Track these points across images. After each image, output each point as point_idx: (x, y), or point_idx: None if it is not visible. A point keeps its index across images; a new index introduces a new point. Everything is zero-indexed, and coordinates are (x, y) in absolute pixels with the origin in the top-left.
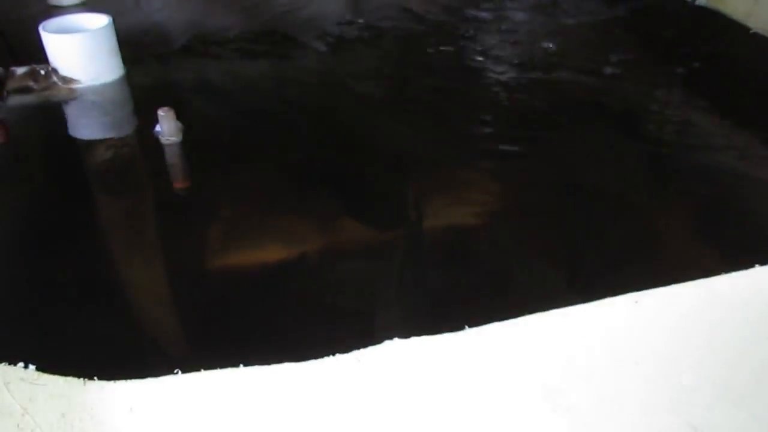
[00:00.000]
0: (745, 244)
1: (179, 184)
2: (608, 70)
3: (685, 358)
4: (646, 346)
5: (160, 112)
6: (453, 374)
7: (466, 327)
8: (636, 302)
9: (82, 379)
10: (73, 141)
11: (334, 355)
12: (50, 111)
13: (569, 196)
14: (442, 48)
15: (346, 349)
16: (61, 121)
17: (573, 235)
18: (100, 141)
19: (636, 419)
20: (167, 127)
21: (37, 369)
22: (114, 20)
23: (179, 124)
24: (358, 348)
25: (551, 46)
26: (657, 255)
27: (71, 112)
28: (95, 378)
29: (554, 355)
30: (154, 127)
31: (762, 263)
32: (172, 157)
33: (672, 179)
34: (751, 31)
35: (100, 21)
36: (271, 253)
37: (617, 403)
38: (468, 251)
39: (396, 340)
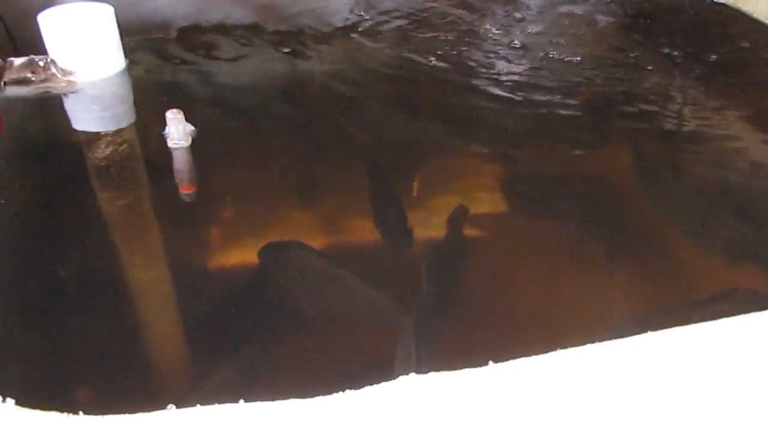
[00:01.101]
0: None
1: (186, 189)
2: (625, 68)
3: (749, 404)
4: (701, 387)
5: (169, 115)
6: (476, 415)
7: (490, 362)
8: (688, 337)
9: (65, 413)
10: (73, 135)
11: (343, 390)
12: (49, 103)
13: (600, 209)
14: (452, 45)
15: (356, 384)
16: (61, 114)
17: (611, 257)
18: (100, 136)
19: None
20: (176, 130)
21: (17, 403)
22: (116, 10)
23: (189, 128)
24: (370, 384)
25: (564, 43)
26: (706, 282)
27: (70, 105)
28: (80, 413)
29: (591, 395)
30: (162, 129)
31: None
32: (180, 162)
33: (697, 185)
34: None
35: (101, 11)
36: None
37: None
38: (489, 273)
39: (412, 375)
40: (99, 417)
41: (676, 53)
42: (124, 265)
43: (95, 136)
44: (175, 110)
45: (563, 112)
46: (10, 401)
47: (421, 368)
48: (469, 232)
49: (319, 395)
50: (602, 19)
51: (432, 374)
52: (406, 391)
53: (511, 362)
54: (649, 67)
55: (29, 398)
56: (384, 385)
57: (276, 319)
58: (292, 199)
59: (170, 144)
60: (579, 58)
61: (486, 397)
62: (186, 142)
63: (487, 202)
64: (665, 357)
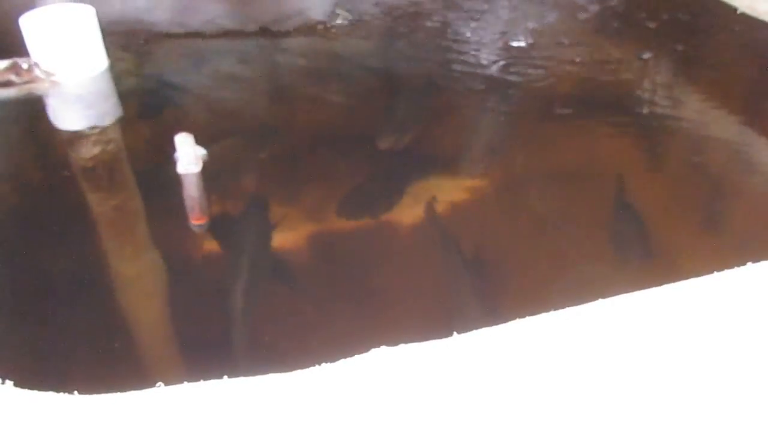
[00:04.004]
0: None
1: (197, 219)
2: (591, 49)
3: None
4: (658, 352)
5: (178, 139)
6: (444, 383)
7: (454, 333)
8: (645, 302)
9: (61, 393)
10: (58, 134)
11: (320, 364)
12: (33, 104)
13: (562, 184)
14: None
15: (331, 357)
16: (45, 115)
17: (567, 229)
18: (85, 134)
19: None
20: (185, 154)
21: (16, 384)
22: (97, 11)
23: (200, 151)
24: (344, 357)
25: (536, 27)
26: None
27: (54, 105)
28: (75, 392)
29: (548, 362)
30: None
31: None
32: (190, 188)
33: (666, 164)
34: (738, 12)
35: (82, 12)
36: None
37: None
38: (453, 248)
39: (383, 347)
40: (93, 396)
41: (642, 36)
42: (113, 260)
43: (80, 135)
44: (184, 133)
45: (546, 98)
46: (9, 383)
47: None
48: (441, 215)
49: (296, 369)
50: (582, 9)
51: (402, 346)
52: (379, 361)
53: (474, 332)
54: (616, 51)
55: (25, 379)
56: (357, 357)
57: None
58: (276, 193)
59: (180, 169)
60: (553, 48)
61: (451, 365)
62: (197, 167)
63: (476, 187)
64: (628, 321)
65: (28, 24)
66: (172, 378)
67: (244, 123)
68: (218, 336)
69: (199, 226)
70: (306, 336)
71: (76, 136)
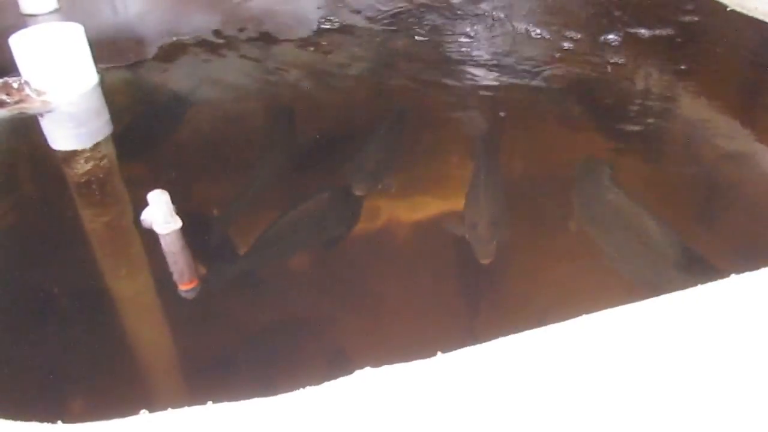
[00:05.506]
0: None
1: (186, 284)
2: (578, 44)
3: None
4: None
5: (152, 197)
6: (429, 403)
7: (438, 353)
8: (631, 319)
9: (45, 423)
10: (51, 153)
11: (304, 387)
12: (25, 124)
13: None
14: (425, 38)
15: (316, 380)
16: (38, 134)
17: (556, 240)
18: (78, 152)
19: None
20: (160, 213)
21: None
22: (87, 28)
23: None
24: (329, 379)
25: (527, 26)
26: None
27: (47, 124)
28: (59, 422)
29: (531, 380)
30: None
31: None
32: (173, 248)
33: (655, 161)
34: (728, 9)
35: (71, 30)
36: None
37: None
38: (436, 265)
39: (367, 369)
40: (77, 425)
41: (631, 32)
42: (97, 286)
43: (74, 153)
44: (158, 190)
45: (537, 90)
46: None
47: None
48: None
49: (280, 392)
50: (570, 12)
51: (386, 367)
52: (364, 383)
53: (459, 351)
54: (606, 48)
55: (7, 409)
56: (342, 379)
57: (236, 327)
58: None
59: (157, 229)
60: (540, 43)
61: (436, 386)
62: (176, 224)
63: (446, 200)
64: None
65: (18, 43)
66: (155, 405)
67: (233, 144)
68: (201, 361)
69: (190, 290)
70: (289, 358)
71: (69, 155)
